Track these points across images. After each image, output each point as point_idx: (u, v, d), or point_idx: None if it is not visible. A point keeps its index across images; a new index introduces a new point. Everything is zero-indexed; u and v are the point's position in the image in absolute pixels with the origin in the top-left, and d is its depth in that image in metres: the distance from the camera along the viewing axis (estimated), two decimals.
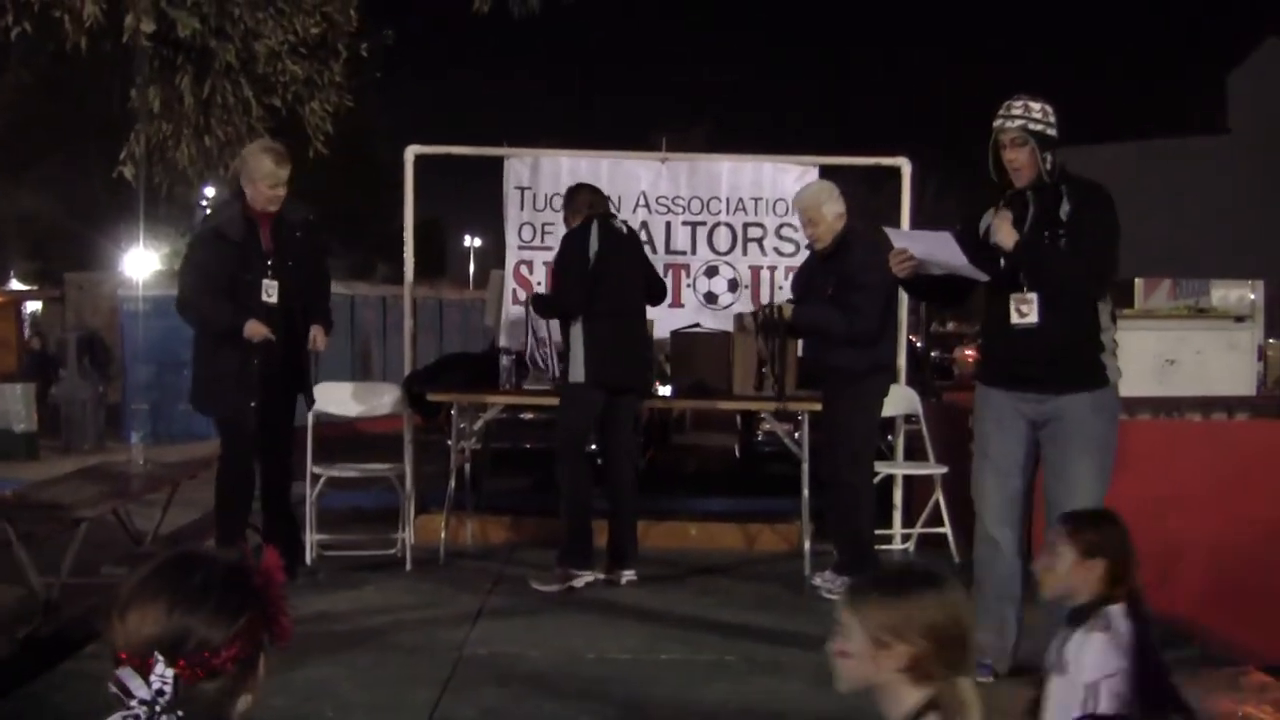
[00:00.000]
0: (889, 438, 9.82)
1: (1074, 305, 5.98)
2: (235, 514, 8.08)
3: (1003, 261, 6.03)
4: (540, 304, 8.60)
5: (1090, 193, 6.01)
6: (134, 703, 2.19)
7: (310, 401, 8.57)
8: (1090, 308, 6.03)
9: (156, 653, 2.20)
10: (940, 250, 6.09)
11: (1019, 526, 6.17)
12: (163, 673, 2.19)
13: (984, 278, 5.99)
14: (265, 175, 7.89)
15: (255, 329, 7.73)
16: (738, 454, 14.24)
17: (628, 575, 8.31)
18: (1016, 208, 6.05)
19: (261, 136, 11.68)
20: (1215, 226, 9.20)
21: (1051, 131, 5.99)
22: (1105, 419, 6.04)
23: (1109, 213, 6.00)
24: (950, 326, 32.27)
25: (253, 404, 7.85)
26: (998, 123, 6.02)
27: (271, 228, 7.97)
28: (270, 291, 7.90)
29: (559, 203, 9.82)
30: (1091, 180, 6.11)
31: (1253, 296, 14.41)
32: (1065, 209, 5.95)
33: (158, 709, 2.19)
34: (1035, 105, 6.00)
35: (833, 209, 8.12)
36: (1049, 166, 5.97)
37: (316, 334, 8.10)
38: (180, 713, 2.20)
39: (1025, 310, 5.99)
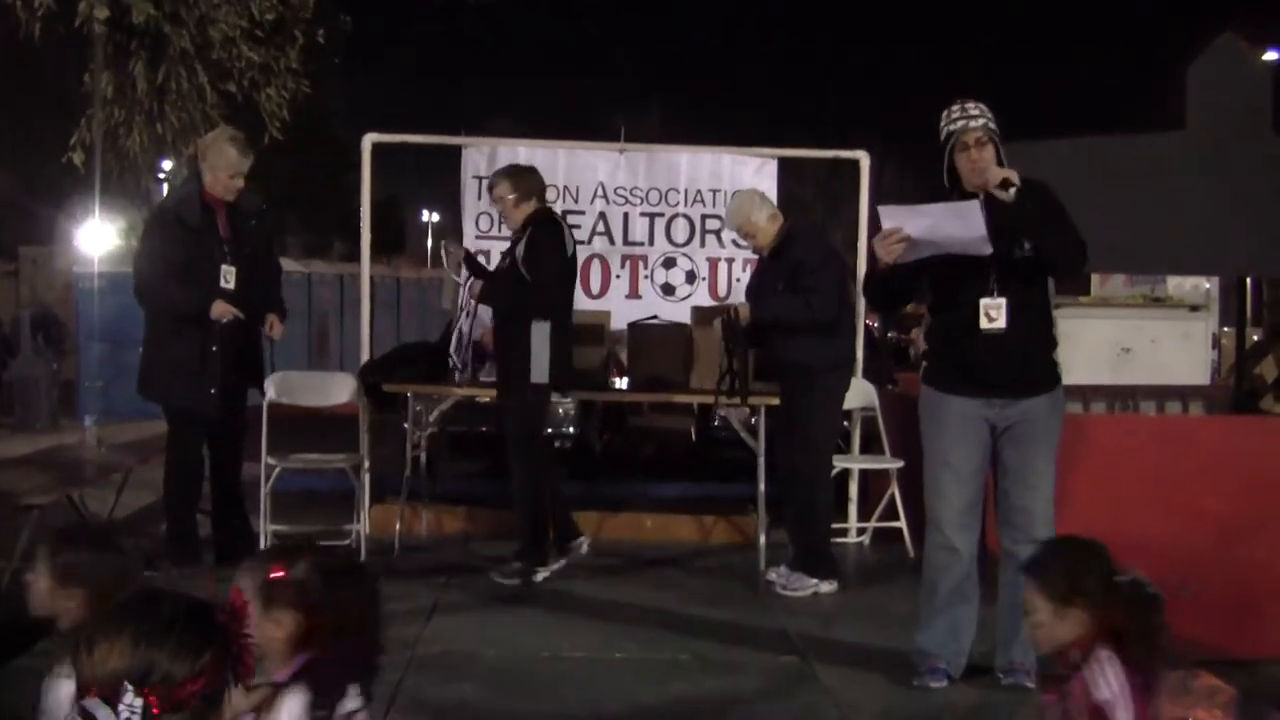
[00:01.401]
0: (844, 424, 9.82)
1: (1036, 306, 5.99)
2: (186, 502, 8.09)
3: (981, 196, 5.87)
4: (501, 297, 8.24)
5: (1042, 187, 5.98)
6: None
7: (261, 392, 8.55)
8: (1046, 309, 6.05)
9: (125, 683, 2.26)
10: (950, 224, 5.85)
11: (976, 530, 6.19)
12: (131, 702, 2.26)
13: (987, 252, 5.81)
14: (227, 165, 7.90)
15: (222, 308, 7.76)
16: (694, 438, 14.25)
17: (582, 542, 8.42)
18: None
19: (217, 124, 11.64)
20: (1171, 221, 9.20)
21: (998, 132, 6.00)
22: (1059, 417, 6.13)
23: (1061, 202, 5.99)
24: (909, 305, 32.34)
25: (212, 390, 7.84)
26: (958, 124, 5.94)
27: (228, 214, 7.98)
28: (228, 278, 7.92)
29: None
30: (1033, 177, 6.08)
31: (1208, 285, 14.44)
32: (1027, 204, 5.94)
33: None
34: (984, 107, 5.99)
35: (763, 214, 8.16)
36: (1005, 166, 5.96)
37: (273, 321, 8.13)
38: None
39: (995, 315, 5.93)
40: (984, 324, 5.93)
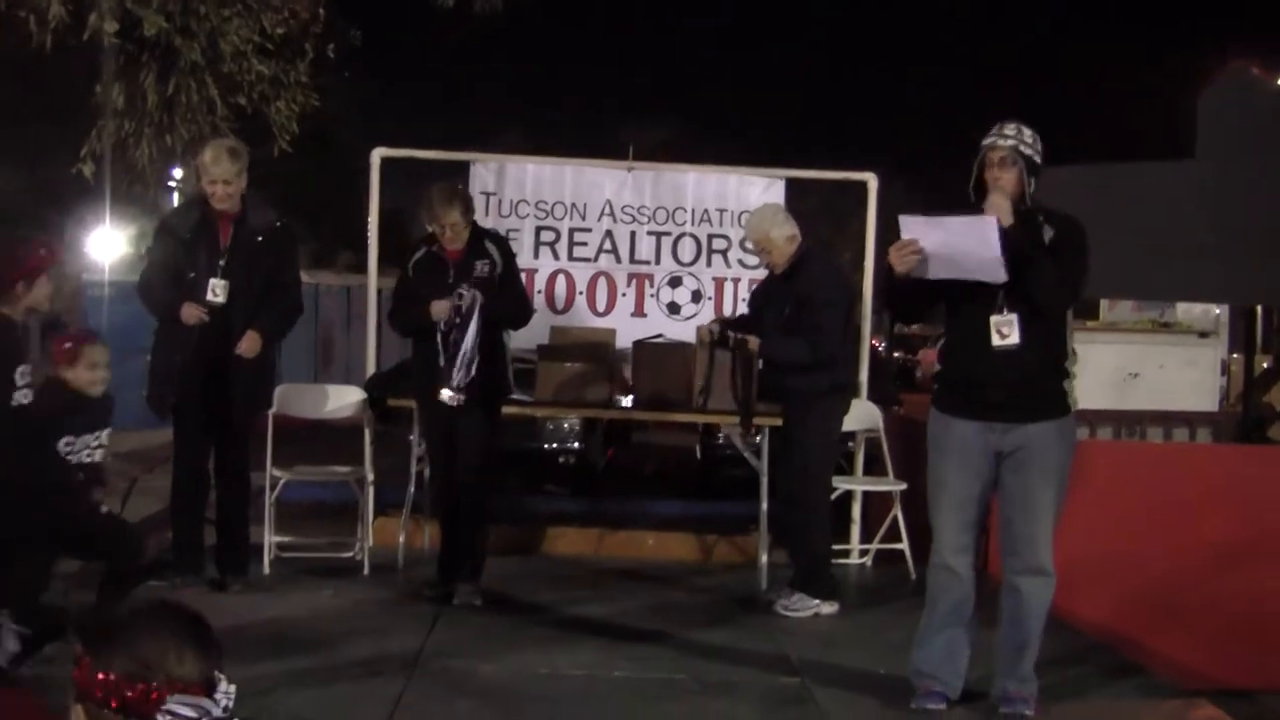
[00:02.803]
0: (849, 445, 9.82)
1: (1047, 330, 5.96)
2: (184, 511, 8.10)
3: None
4: (524, 314, 8.34)
5: (1069, 224, 5.98)
6: None
7: (261, 408, 8.41)
8: (1059, 335, 6.02)
9: (216, 673, 2.38)
10: (966, 240, 5.85)
11: (973, 552, 6.18)
12: (227, 689, 2.39)
13: (1002, 278, 5.82)
14: (203, 172, 7.89)
15: (190, 311, 7.66)
16: (698, 455, 14.27)
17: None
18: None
19: (225, 135, 11.65)
20: (1181, 247, 9.16)
21: (1038, 159, 5.95)
22: (1066, 447, 6.05)
23: (1084, 244, 5.98)
24: (914, 327, 32.16)
25: (173, 398, 7.83)
26: (988, 141, 5.96)
27: (235, 228, 7.92)
28: (218, 290, 7.80)
29: (524, 209, 9.93)
30: (1068, 213, 6.08)
31: (1217, 311, 14.42)
32: (1048, 234, 5.93)
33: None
34: (1027, 131, 5.97)
35: (782, 232, 8.10)
36: (1030, 191, 5.95)
37: (246, 338, 7.85)
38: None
39: (1006, 331, 5.91)
40: (996, 341, 5.90)
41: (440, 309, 7.77)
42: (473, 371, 7.74)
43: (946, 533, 6.10)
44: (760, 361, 8.37)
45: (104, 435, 6.71)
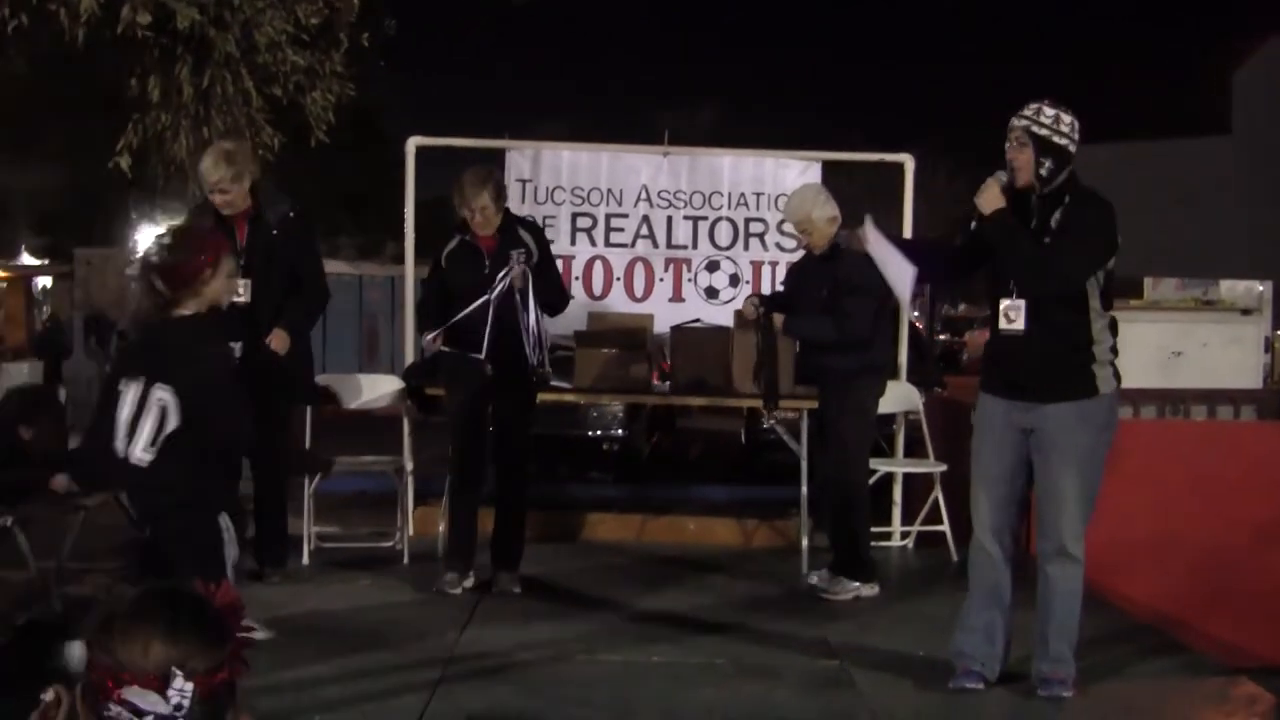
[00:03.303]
0: (893, 426, 9.78)
1: (1062, 313, 5.92)
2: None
3: (973, 224, 6.06)
4: (561, 301, 8.33)
5: (1084, 205, 5.91)
6: (150, 718, 2.33)
7: (299, 400, 8.41)
8: (1077, 318, 5.96)
9: (174, 668, 2.33)
10: (890, 270, 6.14)
11: (1010, 534, 6.14)
12: (181, 687, 2.33)
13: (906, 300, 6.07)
14: (204, 180, 7.85)
15: None
16: (743, 440, 14.23)
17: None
18: (1015, 208, 5.99)
19: (262, 127, 11.70)
20: (1218, 226, 9.14)
21: (1058, 140, 5.86)
22: (1091, 430, 5.94)
23: (1096, 223, 5.90)
24: (961, 309, 31.97)
25: None
26: (1011, 121, 5.97)
27: (251, 225, 7.91)
28: (241, 290, 7.82)
29: (560, 196, 9.92)
30: (1098, 194, 6.03)
31: (1261, 288, 14.32)
32: (1056, 217, 5.89)
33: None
34: (1050, 111, 5.90)
35: (823, 214, 8.04)
36: (1044, 173, 5.89)
37: (275, 336, 7.84)
38: None
39: (1013, 316, 5.94)
40: (1002, 325, 6.00)
41: (429, 345, 7.91)
42: (542, 348, 7.80)
43: (981, 510, 6.12)
44: (797, 343, 8.39)
45: (237, 348, 6.70)
